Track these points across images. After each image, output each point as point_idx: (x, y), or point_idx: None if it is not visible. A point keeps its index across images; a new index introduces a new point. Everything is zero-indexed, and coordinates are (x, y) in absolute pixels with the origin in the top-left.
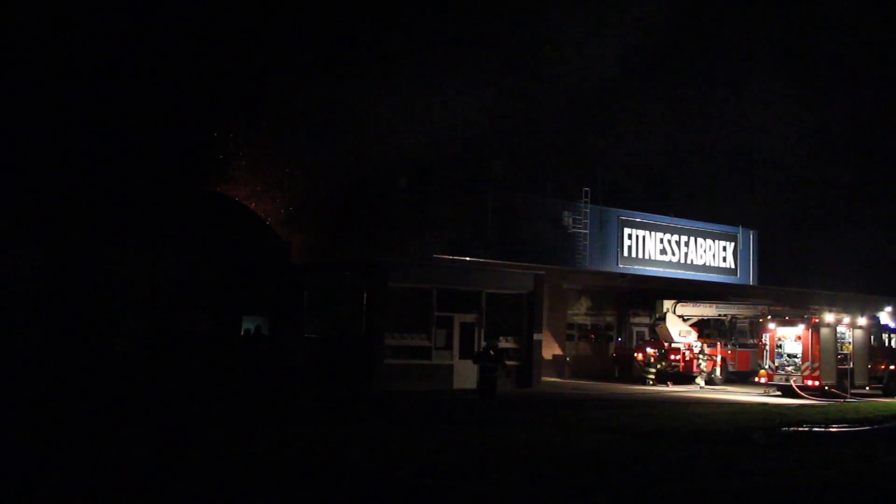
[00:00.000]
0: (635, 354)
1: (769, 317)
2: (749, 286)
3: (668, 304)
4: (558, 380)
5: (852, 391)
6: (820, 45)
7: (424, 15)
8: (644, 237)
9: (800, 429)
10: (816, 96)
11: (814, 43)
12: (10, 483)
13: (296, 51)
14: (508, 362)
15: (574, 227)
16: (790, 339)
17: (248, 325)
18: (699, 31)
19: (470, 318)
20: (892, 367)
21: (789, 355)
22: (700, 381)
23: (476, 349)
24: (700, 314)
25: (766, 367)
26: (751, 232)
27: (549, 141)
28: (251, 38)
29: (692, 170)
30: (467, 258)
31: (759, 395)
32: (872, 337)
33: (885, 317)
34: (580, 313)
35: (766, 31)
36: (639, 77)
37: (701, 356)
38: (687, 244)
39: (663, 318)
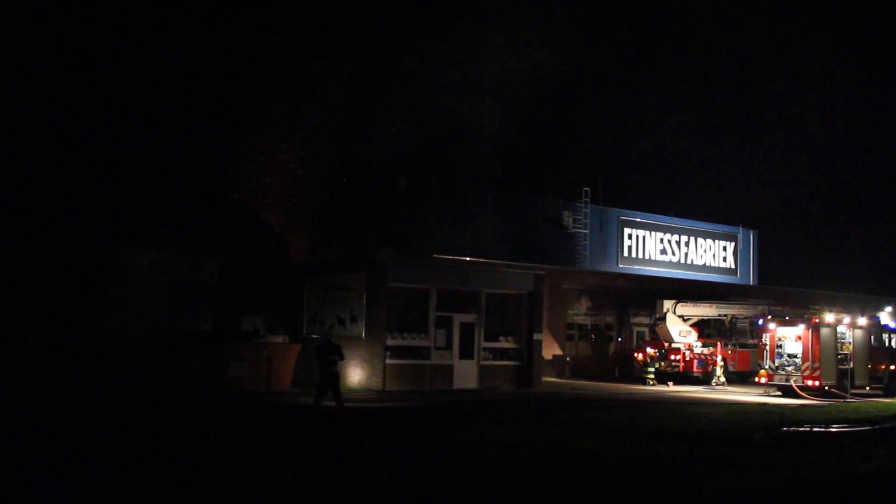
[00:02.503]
0: (635, 354)
1: (769, 317)
2: (749, 286)
3: (668, 304)
4: (558, 380)
5: (852, 391)
6: (821, 43)
7: (424, 15)
8: (644, 237)
9: (800, 429)
10: (817, 96)
11: (815, 41)
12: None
13: (297, 50)
14: (508, 362)
15: (574, 227)
16: (790, 339)
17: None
18: (699, 30)
19: (470, 318)
20: (892, 367)
21: (789, 355)
22: (720, 378)
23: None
24: (700, 314)
25: (766, 367)
26: (751, 232)
27: (549, 141)
28: (254, 35)
29: (693, 169)
30: (467, 258)
31: (759, 395)
32: (872, 337)
33: (885, 317)
34: (580, 313)
35: (766, 29)
36: (639, 76)
37: (716, 358)
38: (687, 244)
39: (663, 318)
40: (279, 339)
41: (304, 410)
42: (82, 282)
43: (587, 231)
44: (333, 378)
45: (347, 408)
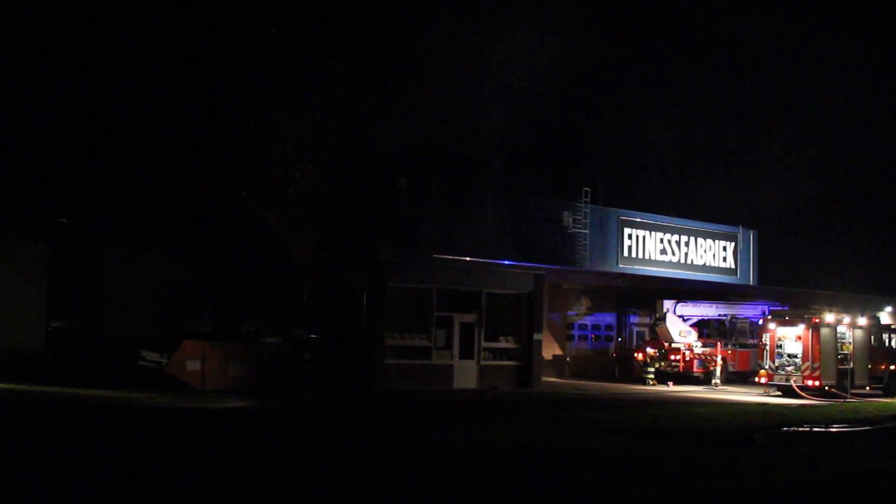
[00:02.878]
0: (635, 354)
1: (769, 317)
2: (749, 286)
3: (668, 304)
4: (558, 380)
5: (852, 391)
6: (822, 44)
7: (426, 15)
8: (644, 237)
9: (800, 429)
10: (818, 96)
11: (816, 43)
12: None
13: (300, 49)
14: (508, 362)
15: (574, 227)
16: (790, 339)
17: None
18: (700, 31)
19: (470, 318)
20: (892, 367)
21: (789, 355)
22: (716, 379)
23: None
24: (700, 314)
25: (766, 367)
26: (751, 232)
27: (549, 141)
28: (254, 33)
29: (693, 169)
30: (467, 258)
31: (759, 395)
32: (872, 337)
33: (885, 317)
34: (580, 313)
35: (768, 29)
36: (639, 77)
37: (716, 357)
38: (687, 244)
39: (663, 319)
40: (279, 339)
41: (297, 411)
42: (82, 282)
43: (587, 231)
44: (303, 378)
45: (348, 408)
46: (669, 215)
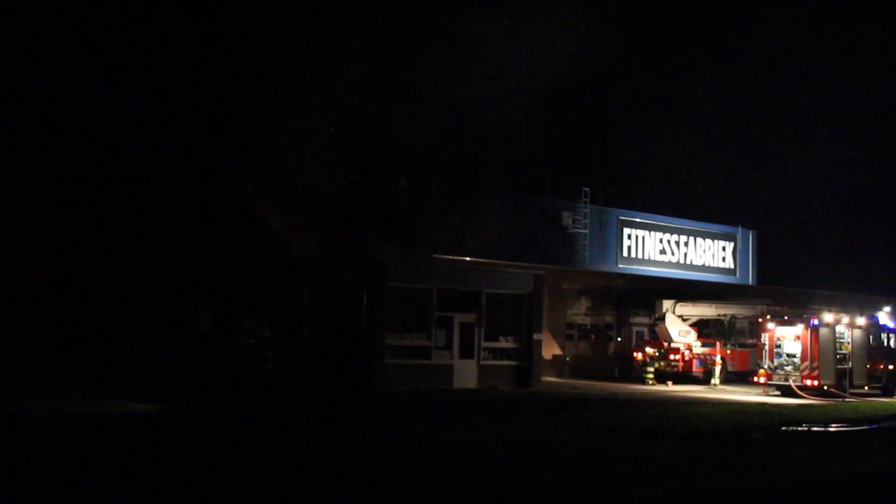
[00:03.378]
0: (635, 354)
1: (768, 317)
2: (749, 286)
3: (667, 304)
4: (558, 380)
5: (851, 391)
6: (822, 44)
7: (427, 15)
8: (644, 237)
9: (799, 428)
10: (818, 95)
11: (817, 43)
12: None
13: (302, 49)
14: (508, 362)
15: (574, 227)
16: (789, 338)
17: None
18: (700, 30)
19: (470, 318)
20: (890, 366)
21: (788, 355)
22: (715, 379)
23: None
24: (699, 314)
25: (766, 366)
26: (750, 232)
27: (549, 141)
28: (254, 34)
29: (693, 169)
30: (467, 258)
31: (759, 394)
32: (871, 337)
33: (883, 317)
34: (580, 313)
35: (768, 29)
36: (639, 77)
37: (715, 357)
38: (686, 244)
39: (663, 318)
40: (278, 339)
41: (294, 410)
42: (83, 282)
43: (587, 231)
44: (266, 375)
45: (349, 406)
46: (669, 215)
